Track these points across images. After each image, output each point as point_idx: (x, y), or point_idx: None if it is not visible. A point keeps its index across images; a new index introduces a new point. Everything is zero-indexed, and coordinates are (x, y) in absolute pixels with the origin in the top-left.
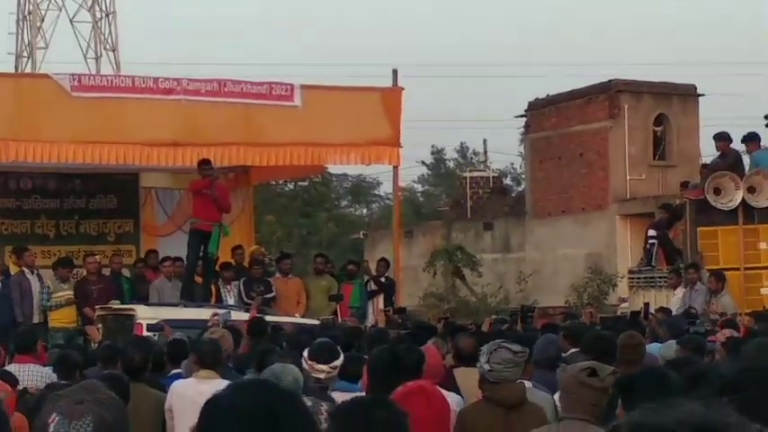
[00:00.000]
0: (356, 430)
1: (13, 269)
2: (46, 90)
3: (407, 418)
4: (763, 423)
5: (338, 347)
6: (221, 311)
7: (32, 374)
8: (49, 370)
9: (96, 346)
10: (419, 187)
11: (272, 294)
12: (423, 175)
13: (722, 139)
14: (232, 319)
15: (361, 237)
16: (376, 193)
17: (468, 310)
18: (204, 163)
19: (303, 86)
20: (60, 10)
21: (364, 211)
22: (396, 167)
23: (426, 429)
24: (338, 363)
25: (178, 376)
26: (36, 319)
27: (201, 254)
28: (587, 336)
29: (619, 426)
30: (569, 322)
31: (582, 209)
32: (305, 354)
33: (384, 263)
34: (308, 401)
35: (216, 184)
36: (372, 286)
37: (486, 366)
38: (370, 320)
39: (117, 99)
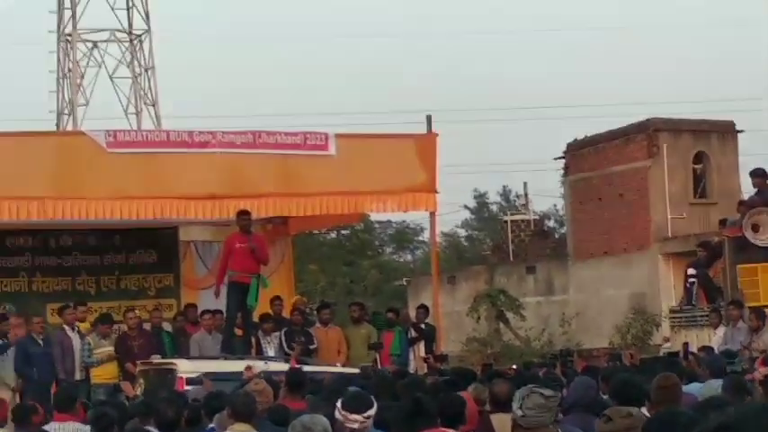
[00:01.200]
0: None
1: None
2: (83, 147)
3: None
4: None
5: (372, 396)
6: (257, 363)
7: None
8: (88, 428)
9: (131, 401)
10: (463, 232)
11: (315, 346)
12: (466, 219)
13: (758, 175)
14: (272, 370)
15: (405, 283)
16: (420, 239)
17: (513, 354)
18: (243, 213)
19: (338, 135)
20: (100, 66)
21: (408, 257)
22: (433, 213)
23: None
24: (372, 412)
25: (213, 430)
26: (78, 376)
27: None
28: (614, 381)
29: None
30: (607, 365)
31: (624, 249)
32: (338, 404)
33: (423, 309)
34: None
35: (253, 236)
36: (413, 333)
37: (519, 412)
38: (411, 368)
39: (153, 154)
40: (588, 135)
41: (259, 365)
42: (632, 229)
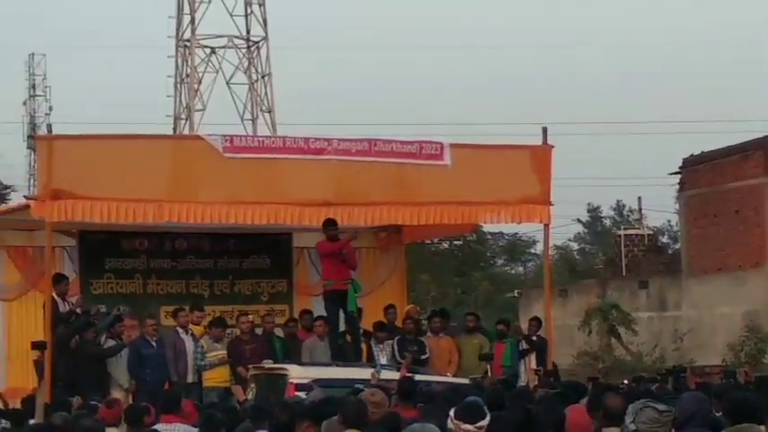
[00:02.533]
0: None
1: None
2: (199, 151)
3: None
4: None
5: (485, 407)
6: (368, 371)
7: None
8: (195, 430)
9: (242, 405)
10: (575, 245)
11: (427, 355)
12: (579, 233)
13: None
14: (384, 378)
15: (516, 295)
16: (532, 251)
17: (624, 368)
18: (330, 223)
19: (453, 145)
20: (217, 72)
21: (520, 269)
22: (546, 226)
23: None
24: (484, 423)
25: None
26: (190, 379)
27: (343, 314)
28: (729, 398)
29: None
30: (721, 383)
31: (738, 266)
32: (451, 413)
33: (535, 322)
34: None
35: (342, 243)
36: (524, 345)
37: (632, 426)
38: (521, 380)
39: (269, 159)
40: (705, 151)
41: (370, 373)
42: (747, 246)
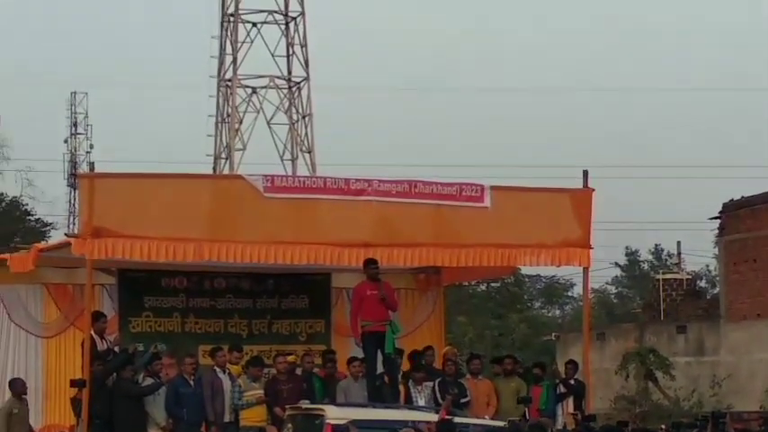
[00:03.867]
0: None
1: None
2: (240, 191)
3: None
4: None
5: None
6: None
7: None
8: None
9: None
10: (612, 289)
11: (468, 398)
12: (617, 276)
13: None
14: (423, 420)
15: (553, 338)
16: (569, 294)
17: (661, 413)
18: (371, 262)
19: (493, 187)
20: (258, 112)
21: (557, 312)
22: (586, 269)
23: None
24: None
25: None
26: (227, 418)
27: (381, 356)
28: None
29: None
30: (760, 429)
31: None
32: None
33: (572, 365)
34: None
35: (382, 284)
36: (561, 389)
37: None
38: (558, 423)
39: (309, 200)
40: (745, 196)
41: (407, 415)
42: None
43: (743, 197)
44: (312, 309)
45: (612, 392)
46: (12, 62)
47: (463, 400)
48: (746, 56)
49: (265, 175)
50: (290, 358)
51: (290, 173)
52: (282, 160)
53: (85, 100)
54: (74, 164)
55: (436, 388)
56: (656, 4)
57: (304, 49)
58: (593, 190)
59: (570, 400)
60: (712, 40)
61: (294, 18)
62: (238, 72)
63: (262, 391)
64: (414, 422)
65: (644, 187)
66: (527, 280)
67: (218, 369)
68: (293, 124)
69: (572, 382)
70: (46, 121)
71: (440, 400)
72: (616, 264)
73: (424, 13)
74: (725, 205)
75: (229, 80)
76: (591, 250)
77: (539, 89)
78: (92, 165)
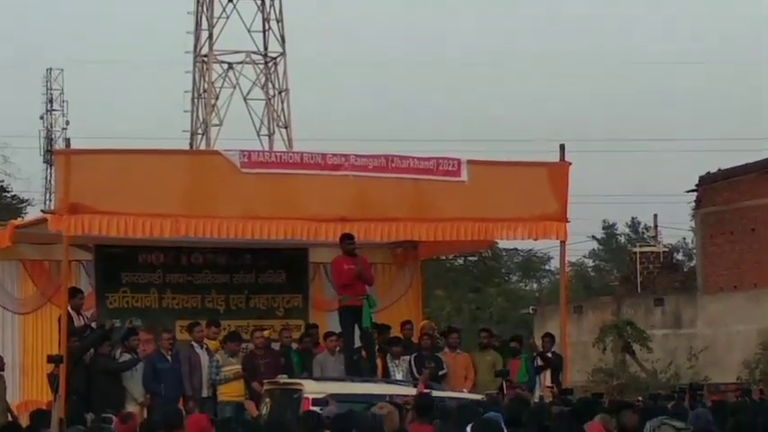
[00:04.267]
0: None
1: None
2: (217, 166)
3: None
4: None
5: (501, 423)
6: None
7: None
8: None
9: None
10: (590, 262)
11: (444, 371)
12: (594, 249)
13: None
14: (400, 394)
15: (531, 312)
16: (546, 268)
17: (638, 386)
18: (348, 237)
19: (470, 162)
20: (234, 88)
21: (534, 285)
22: (563, 242)
23: None
24: None
25: None
26: (205, 393)
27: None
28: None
29: None
30: (737, 400)
31: (754, 284)
32: (468, 429)
33: (549, 338)
34: None
35: (359, 259)
36: (539, 362)
37: None
38: (536, 396)
39: (286, 175)
40: (721, 168)
41: (385, 388)
42: (763, 264)
43: (719, 170)
44: (289, 284)
45: (590, 365)
46: None
47: (440, 373)
48: (723, 29)
49: (242, 151)
50: (266, 333)
51: (266, 148)
52: (259, 136)
53: (61, 77)
54: (50, 140)
55: (412, 362)
56: None
57: (280, 24)
58: (570, 164)
59: (548, 374)
60: (689, 11)
61: None
62: (214, 48)
63: (239, 367)
64: (391, 396)
65: (620, 161)
66: (504, 254)
67: (195, 344)
68: (269, 100)
69: (549, 355)
70: (21, 98)
71: (416, 374)
72: (593, 237)
73: None
74: (701, 178)
75: (205, 56)
76: (568, 224)
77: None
78: (68, 141)
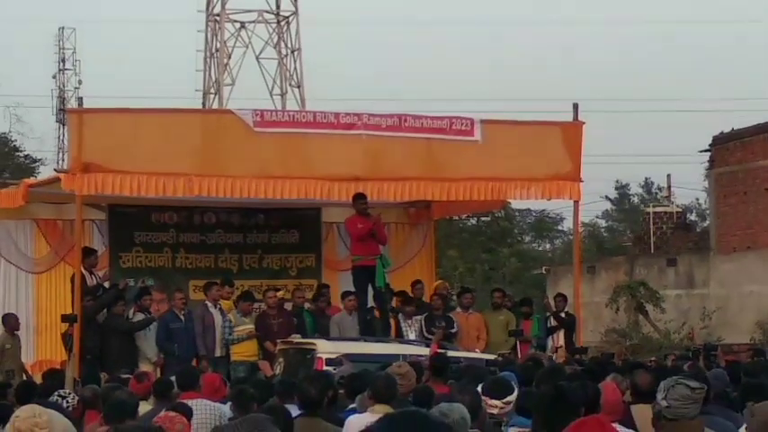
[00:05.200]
0: None
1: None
2: (229, 126)
3: None
4: None
5: (513, 383)
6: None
7: (204, 408)
8: (219, 404)
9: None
10: (603, 222)
11: (455, 330)
12: (607, 210)
13: None
14: (413, 353)
15: (544, 272)
16: (559, 228)
17: (651, 346)
18: (360, 197)
19: (483, 121)
20: (247, 47)
21: (547, 246)
22: (576, 202)
23: None
24: (511, 398)
25: (354, 411)
26: (218, 353)
27: (372, 290)
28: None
29: None
30: (751, 361)
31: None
32: (478, 389)
33: (562, 298)
34: None
35: (372, 218)
36: (552, 322)
37: (664, 403)
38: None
39: (299, 134)
40: (735, 128)
41: (399, 348)
42: None
43: (733, 129)
44: (303, 243)
45: (603, 325)
46: None
47: (451, 331)
48: None
49: (255, 110)
50: (280, 293)
51: (279, 108)
52: (272, 95)
53: (73, 35)
54: (62, 100)
55: (423, 322)
56: None
57: None
58: (584, 123)
59: (560, 334)
60: None
61: None
62: (226, 6)
63: (252, 326)
64: (404, 356)
65: (634, 120)
66: (517, 214)
67: (209, 304)
68: (282, 59)
69: (563, 315)
70: (34, 58)
71: (426, 334)
72: (606, 197)
73: None
74: (715, 138)
75: (218, 15)
76: (581, 183)
77: (529, 22)
78: (80, 100)
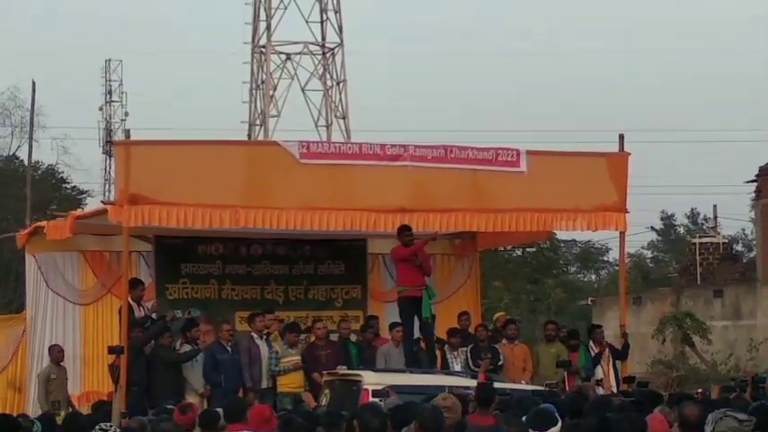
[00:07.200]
0: None
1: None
2: (275, 157)
3: None
4: None
5: (556, 414)
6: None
7: None
8: None
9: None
10: (648, 253)
11: (501, 362)
12: (652, 240)
13: None
14: (459, 385)
15: (590, 303)
16: (604, 259)
17: (698, 377)
18: (405, 229)
19: (529, 152)
20: (292, 79)
21: (593, 277)
22: (622, 233)
23: None
24: (555, 429)
25: None
26: (265, 384)
27: (418, 321)
28: None
29: None
30: None
31: None
32: (523, 420)
33: (599, 329)
34: None
35: (418, 247)
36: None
37: None
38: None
39: (345, 166)
40: None
41: (445, 380)
42: None
43: None
44: (348, 275)
45: (649, 357)
46: (47, 30)
47: (498, 363)
48: None
49: (301, 142)
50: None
51: (324, 139)
52: (317, 126)
53: (120, 67)
54: (109, 131)
55: (468, 354)
56: None
57: (338, 14)
58: (629, 154)
59: (607, 365)
60: (749, 1)
61: None
62: (272, 38)
63: (299, 358)
64: (450, 387)
65: (680, 151)
66: (562, 245)
67: (255, 335)
68: (327, 90)
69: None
70: (81, 90)
71: (472, 366)
72: (652, 228)
73: None
74: (761, 168)
75: (263, 46)
76: (627, 214)
77: (574, 53)
78: (127, 132)
